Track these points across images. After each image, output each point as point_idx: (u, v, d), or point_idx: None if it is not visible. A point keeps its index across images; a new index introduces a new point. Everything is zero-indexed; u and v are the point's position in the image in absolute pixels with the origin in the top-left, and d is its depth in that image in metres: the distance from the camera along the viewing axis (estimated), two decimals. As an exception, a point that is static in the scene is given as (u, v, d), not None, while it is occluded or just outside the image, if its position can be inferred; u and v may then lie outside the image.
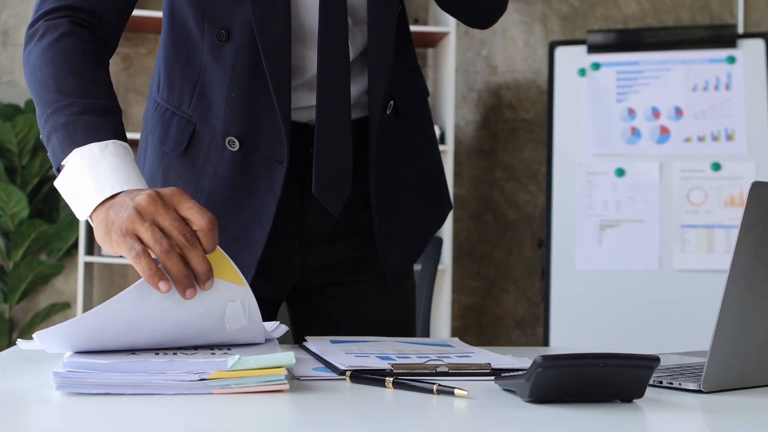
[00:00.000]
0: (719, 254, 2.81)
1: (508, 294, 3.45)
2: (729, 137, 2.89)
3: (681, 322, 2.74)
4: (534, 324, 3.45)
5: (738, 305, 0.99)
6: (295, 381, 1.01)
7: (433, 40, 3.46)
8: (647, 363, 0.91)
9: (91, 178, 1.09)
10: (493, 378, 1.00)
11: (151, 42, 3.29)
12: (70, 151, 1.11)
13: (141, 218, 1.01)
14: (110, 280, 3.30)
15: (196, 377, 0.92)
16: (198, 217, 1.02)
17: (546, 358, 0.88)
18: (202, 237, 1.02)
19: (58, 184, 1.13)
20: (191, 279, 1.02)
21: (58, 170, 1.14)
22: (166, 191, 1.04)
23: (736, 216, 2.83)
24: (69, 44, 1.21)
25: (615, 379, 0.91)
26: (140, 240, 1.01)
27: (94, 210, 1.08)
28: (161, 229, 1.01)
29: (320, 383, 1.01)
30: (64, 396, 0.88)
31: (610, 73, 3.00)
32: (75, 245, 3.22)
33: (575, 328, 2.89)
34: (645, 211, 2.89)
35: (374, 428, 0.82)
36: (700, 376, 1.02)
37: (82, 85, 1.17)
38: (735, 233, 2.78)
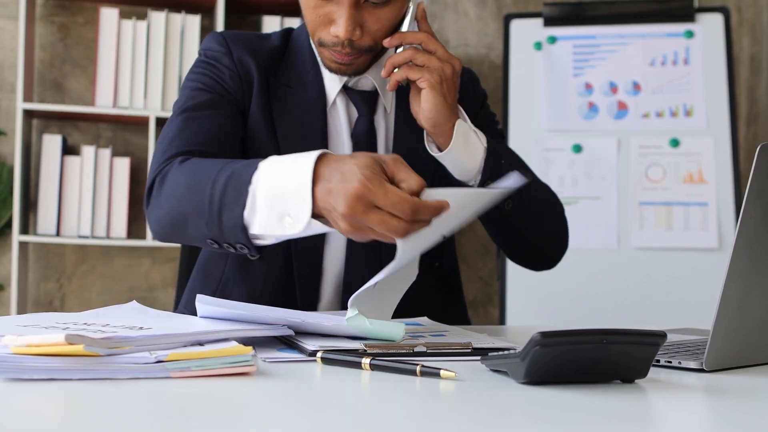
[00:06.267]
0: (678, 231, 2.76)
1: (461, 274, 3.38)
2: (687, 113, 2.83)
3: (639, 300, 2.69)
4: (486, 304, 3.39)
5: (742, 278, 0.92)
6: (261, 364, 0.92)
7: (384, 13, 3.36)
8: (653, 339, 0.83)
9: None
10: (478, 358, 0.92)
11: (88, 11, 3.12)
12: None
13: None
14: (46, 261, 3.14)
15: (153, 359, 0.82)
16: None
17: (544, 335, 0.79)
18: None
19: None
20: None
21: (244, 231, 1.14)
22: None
23: (694, 193, 2.79)
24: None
25: (617, 357, 0.83)
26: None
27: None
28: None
29: (289, 366, 0.92)
30: (3, 383, 0.77)
31: (567, 47, 2.93)
32: (9, 224, 3.06)
33: (530, 308, 2.82)
34: (603, 187, 2.83)
35: (357, 414, 0.73)
36: (699, 354, 0.95)
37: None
38: (693, 210, 2.75)
